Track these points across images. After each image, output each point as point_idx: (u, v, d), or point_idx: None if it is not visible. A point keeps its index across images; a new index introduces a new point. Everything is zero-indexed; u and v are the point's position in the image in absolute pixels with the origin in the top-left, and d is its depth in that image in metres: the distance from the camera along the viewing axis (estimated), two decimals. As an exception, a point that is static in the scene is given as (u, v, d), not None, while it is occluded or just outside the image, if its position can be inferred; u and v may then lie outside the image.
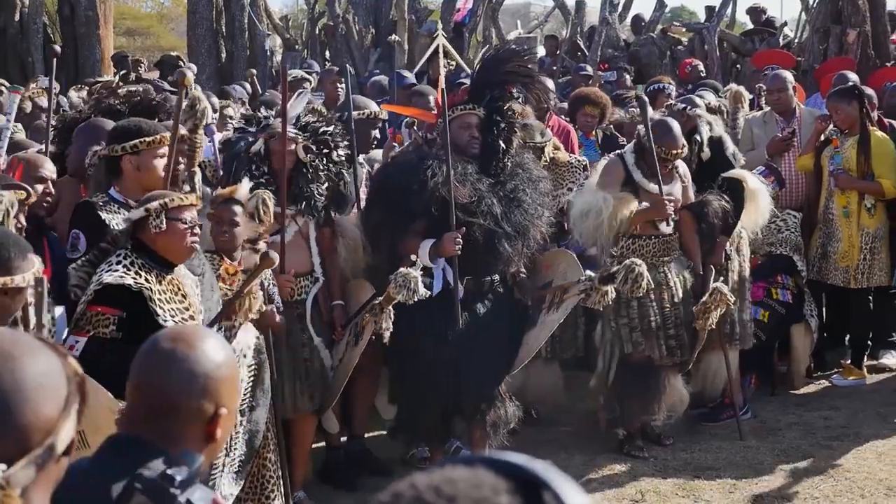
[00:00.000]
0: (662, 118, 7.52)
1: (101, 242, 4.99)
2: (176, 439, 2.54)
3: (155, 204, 4.77)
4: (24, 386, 1.87)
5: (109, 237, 4.95)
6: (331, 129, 6.75)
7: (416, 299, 6.00)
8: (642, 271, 6.53)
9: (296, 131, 6.53)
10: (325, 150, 6.64)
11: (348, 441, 7.24)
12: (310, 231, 6.63)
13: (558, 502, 1.40)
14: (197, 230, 4.89)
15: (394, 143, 7.79)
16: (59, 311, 4.85)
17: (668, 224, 7.34)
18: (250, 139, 6.45)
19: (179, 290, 4.85)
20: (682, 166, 7.54)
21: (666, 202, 7.15)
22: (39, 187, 5.34)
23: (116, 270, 4.68)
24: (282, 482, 5.88)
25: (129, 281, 4.66)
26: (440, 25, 6.96)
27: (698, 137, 7.63)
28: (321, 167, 6.60)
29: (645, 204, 7.17)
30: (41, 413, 1.88)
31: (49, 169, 5.45)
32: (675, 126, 7.37)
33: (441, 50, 6.72)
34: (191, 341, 2.63)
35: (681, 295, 7.35)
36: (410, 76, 11.07)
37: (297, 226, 6.57)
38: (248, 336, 5.35)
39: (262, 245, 5.55)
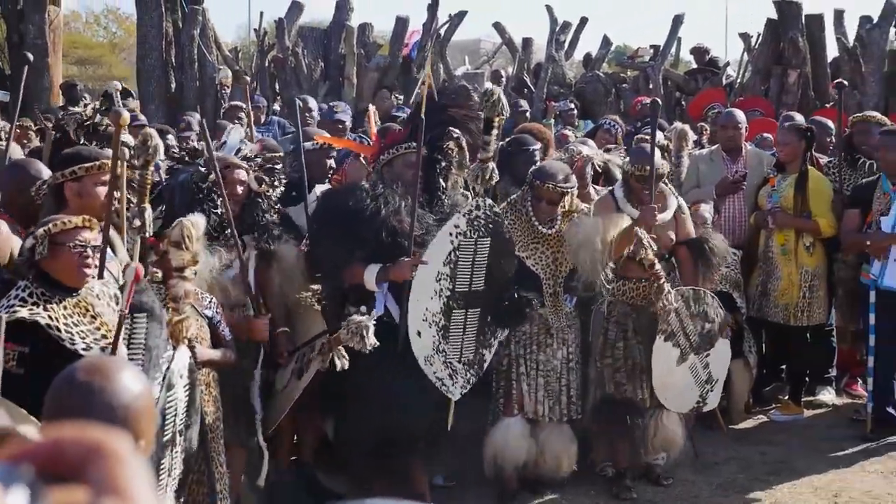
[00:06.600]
0: (639, 145, 7.60)
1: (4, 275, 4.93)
2: None
3: (40, 230, 4.68)
4: None
5: (12, 268, 4.88)
6: (276, 156, 6.82)
7: (367, 349, 6.02)
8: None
9: (244, 162, 6.58)
10: (273, 180, 6.70)
11: (296, 469, 7.22)
12: (250, 263, 6.61)
13: None
14: (89, 252, 4.76)
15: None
16: None
17: (658, 261, 7.25)
18: (197, 171, 6.40)
19: (88, 311, 4.78)
20: (679, 199, 7.64)
21: (652, 210, 7.08)
22: None
23: (13, 305, 4.60)
24: None
25: (23, 314, 4.58)
26: (429, 68, 7.05)
27: None
28: (272, 197, 6.67)
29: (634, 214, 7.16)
30: None
31: None
32: (653, 149, 7.42)
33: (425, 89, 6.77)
34: (107, 373, 2.53)
35: None
36: (344, 112, 11.09)
37: (241, 259, 6.59)
38: (182, 356, 5.33)
39: (188, 273, 5.49)
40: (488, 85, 7.37)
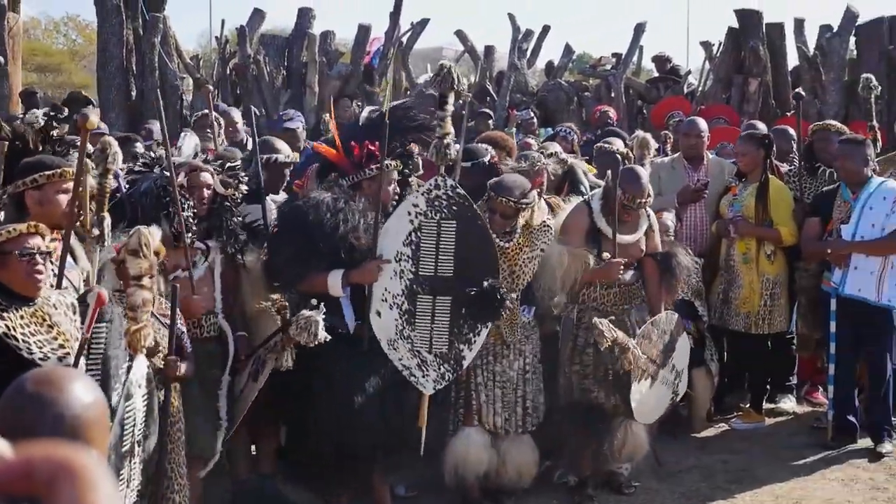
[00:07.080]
0: (631, 166, 7.52)
1: None
2: None
3: None
4: None
5: None
6: (237, 163, 6.80)
7: (315, 343, 6.02)
8: None
9: (209, 166, 6.55)
10: (237, 183, 6.67)
11: (258, 480, 7.12)
12: (216, 267, 6.59)
13: None
14: (38, 258, 4.74)
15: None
16: None
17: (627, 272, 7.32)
18: (161, 177, 6.36)
19: (45, 320, 4.75)
20: (652, 214, 7.61)
21: (618, 266, 7.12)
22: None
23: None
24: None
25: None
26: (389, 89, 7.01)
27: None
28: (237, 200, 6.64)
29: (606, 255, 7.12)
30: None
31: None
32: (643, 174, 7.39)
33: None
34: (58, 384, 2.44)
35: None
36: (294, 120, 10.89)
37: (206, 262, 6.55)
38: (141, 365, 5.27)
39: (146, 281, 5.44)
40: (442, 61, 7.32)
